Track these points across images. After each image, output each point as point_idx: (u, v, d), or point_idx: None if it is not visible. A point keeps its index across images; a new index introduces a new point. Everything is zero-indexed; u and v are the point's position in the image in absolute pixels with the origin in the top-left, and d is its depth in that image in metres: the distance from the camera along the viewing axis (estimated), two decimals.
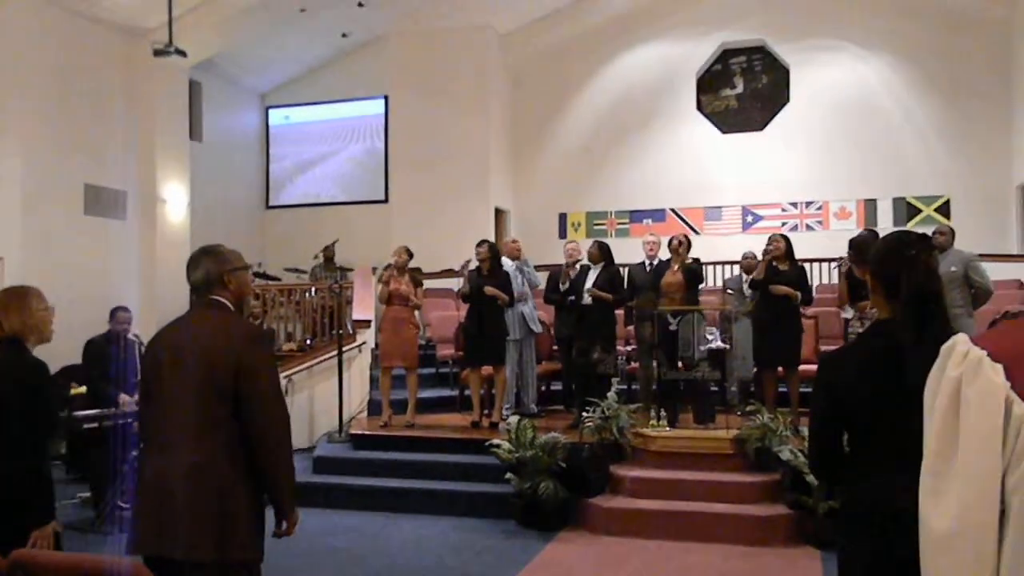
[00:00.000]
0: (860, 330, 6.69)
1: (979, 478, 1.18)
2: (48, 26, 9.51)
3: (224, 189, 13.03)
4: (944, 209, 11.82)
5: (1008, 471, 1.17)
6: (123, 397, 6.85)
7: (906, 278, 2.27)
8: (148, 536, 2.74)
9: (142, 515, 2.78)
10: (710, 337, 7.58)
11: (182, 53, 9.68)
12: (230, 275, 2.95)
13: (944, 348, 1.27)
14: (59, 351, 4.51)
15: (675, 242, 7.70)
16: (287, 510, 2.91)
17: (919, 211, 11.93)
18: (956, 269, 6.73)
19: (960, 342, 1.25)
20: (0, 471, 3.08)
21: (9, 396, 3.11)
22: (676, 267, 7.59)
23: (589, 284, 7.92)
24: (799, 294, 7.38)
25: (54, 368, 3.49)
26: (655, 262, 8.17)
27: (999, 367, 1.19)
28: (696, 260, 7.83)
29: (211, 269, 2.93)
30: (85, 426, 6.59)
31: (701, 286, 8.17)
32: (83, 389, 7.43)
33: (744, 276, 8.43)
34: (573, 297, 8.04)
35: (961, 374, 1.22)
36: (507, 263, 8.48)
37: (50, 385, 3.40)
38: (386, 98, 13.40)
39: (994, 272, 7.71)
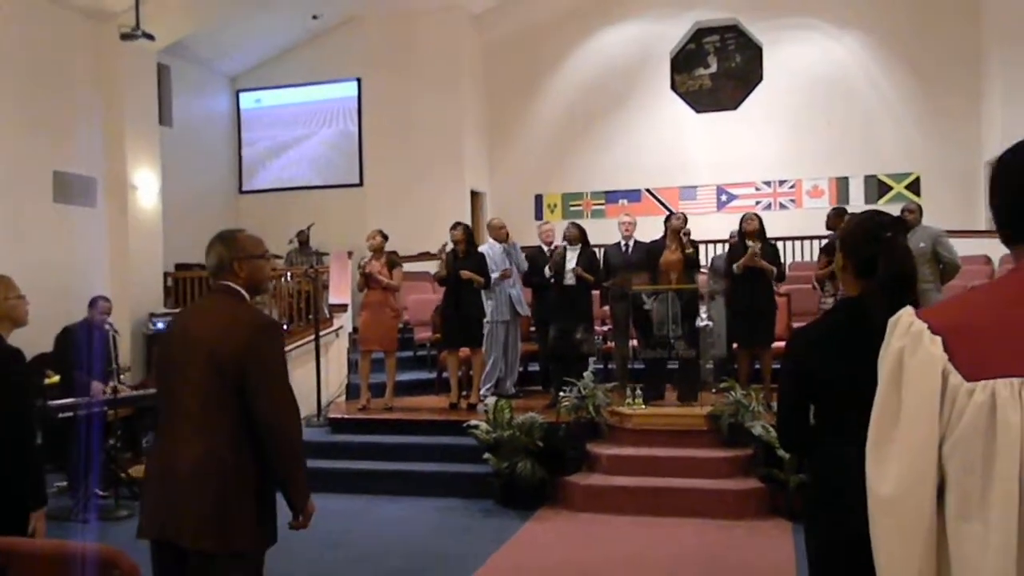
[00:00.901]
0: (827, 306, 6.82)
1: (916, 446, 1.22)
2: (12, 11, 9.35)
3: (196, 175, 12.90)
4: (914, 186, 11.96)
5: (944, 438, 1.21)
6: (96, 386, 6.81)
7: (884, 260, 2.33)
8: (155, 522, 2.76)
9: (150, 501, 2.81)
10: (700, 316, 7.66)
11: (150, 36, 9.55)
12: (241, 263, 2.90)
13: (891, 321, 1.31)
14: (29, 340, 4.48)
15: (676, 221, 7.70)
16: (300, 502, 2.89)
17: (890, 188, 12.06)
18: (924, 245, 6.84)
19: (905, 315, 1.30)
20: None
21: (3, 385, 3.11)
22: (674, 246, 7.60)
23: (570, 265, 7.96)
24: (774, 269, 7.50)
25: (27, 357, 3.48)
26: (631, 242, 8.22)
27: (938, 339, 1.24)
28: (694, 243, 7.81)
29: (223, 255, 2.90)
30: (60, 415, 6.56)
31: None
32: (55, 378, 7.38)
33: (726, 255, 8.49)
34: (552, 279, 8.08)
35: (903, 346, 1.26)
36: (495, 246, 8.49)
37: (26, 372, 3.39)
38: (359, 80, 13.30)
39: (963, 248, 7.84)
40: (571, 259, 8.00)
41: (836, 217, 7.82)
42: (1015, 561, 1.15)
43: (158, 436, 2.92)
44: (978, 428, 1.18)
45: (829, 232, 8.07)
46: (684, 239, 7.60)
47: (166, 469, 2.76)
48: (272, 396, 2.74)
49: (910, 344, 1.26)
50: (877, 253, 2.34)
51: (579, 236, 8.10)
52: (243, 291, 2.91)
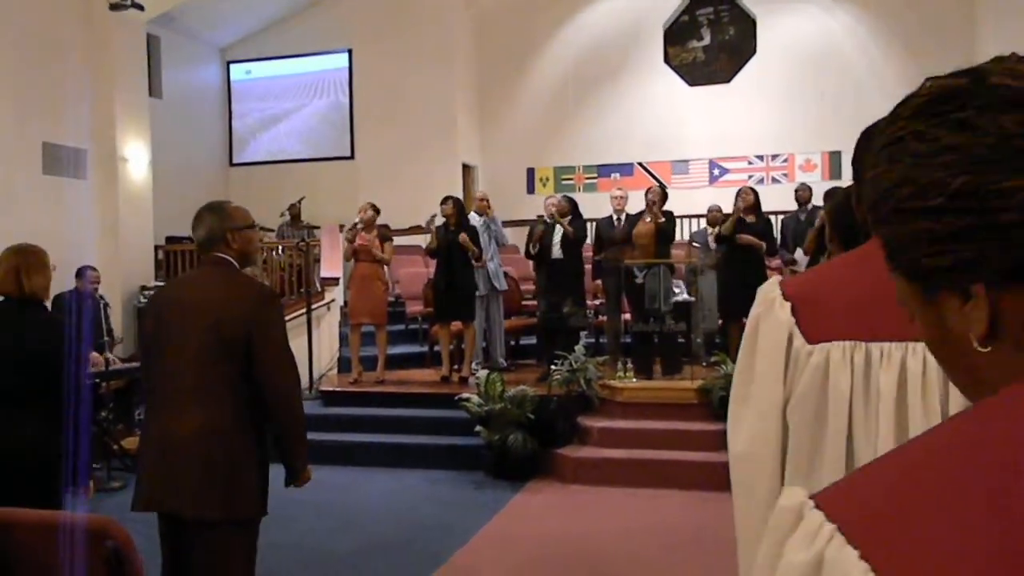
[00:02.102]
0: None
1: (764, 406, 1.29)
2: None
3: (186, 147, 12.81)
4: None
5: (789, 398, 1.28)
6: (93, 356, 6.80)
7: (862, 231, 2.36)
8: (154, 493, 2.76)
9: (148, 472, 2.81)
10: (677, 291, 7.67)
11: (139, 7, 9.46)
12: (233, 233, 2.91)
13: (759, 289, 1.38)
14: None
15: (650, 196, 7.72)
16: (301, 465, 2.94)
17: None
18: None
19: (768, 284, 1.38)
20: (41, 432, 3.09)
21: (51, 357, 3.12)
22: (648, 219, 7.61)
23: (557, 239, 7.96)
24: (764, 244, 7.50)
25: None
26: (623, 216, 8.22)
27: (787, 305, 1.30)
28: (669, 214, 7.84)
29: (214, 227, 2.90)
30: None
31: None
32: None
33: (709, 229, 8.50)
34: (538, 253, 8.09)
35: (759, 312, 1.34)
36: (475, 219, 8.48)
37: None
38: (350, 52, 13.19)
39: None
40: (559, 232, 8.00)
41: (805, 190, 8.29)
42: None
43: (152, 408, 2.90)
44: (814, 389, 1.24)
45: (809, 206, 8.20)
46: (657, 208, 7.60)
47: (164, 440, 2.76)
48: (279, 363, 2.81)
49: (764, 310, 1.34)
50: (856, 223, 2.38)
51: (569, 209, 8.09)
52: (235, 262, 2.91)
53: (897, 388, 1.20)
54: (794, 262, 7.63)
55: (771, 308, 1.31)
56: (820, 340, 1.25)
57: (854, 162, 1.38)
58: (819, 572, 0.56)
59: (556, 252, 7.97)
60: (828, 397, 1.22)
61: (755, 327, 1.33)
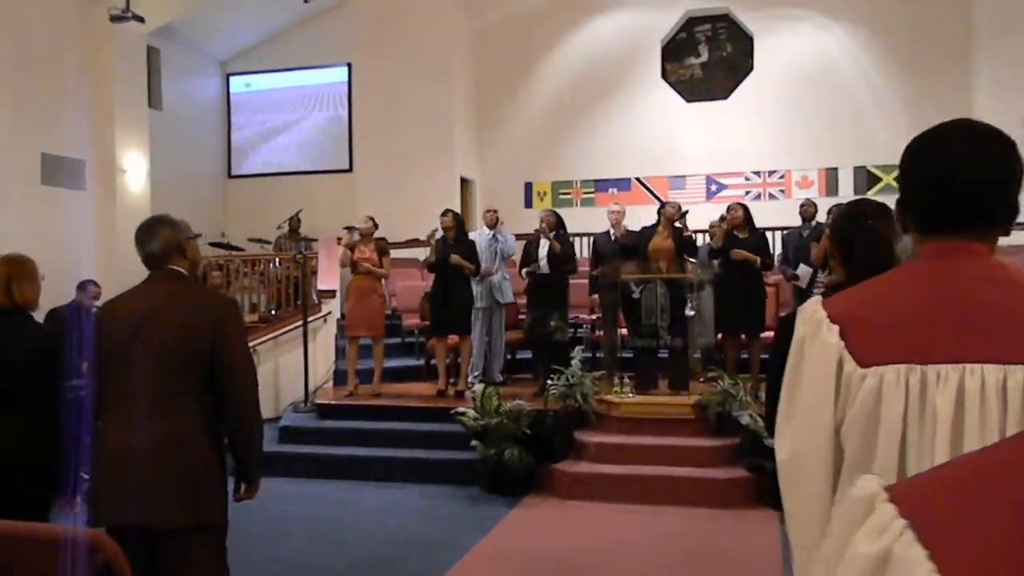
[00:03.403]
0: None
1: (811, 421, 1.31)
2: None
3: (185, 158, 12.83)
4: None
5: (842, 422, 1.28)
6: (85, 368, 6.78)
7: (859, 246, 2.37)
8: (114, 507, 2.74)
9: (106, 486, 2.77)
10: (688, 305, 7.69)
11: (140, 19, 9.49)
12: (187, 243, 2.96)
13: (800, 309, 1.39)
14: None
15: (669, 209, 7.71)
16: (255, 475, 2.99)
17: (879, 179, 12.09)
18: None
19: (810, 304, 1.38)
20: (25, 442, 3.08)
21: (39, 368, 3.12)
22: (667, 233, 7.60)
23: (543, 253, 7.97)
24: (757, 259, 7.50)
25: None
26: (620, 231, 8.22)
27: (835, 328, 1.30)
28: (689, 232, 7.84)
29: (169, 238, 2.91)
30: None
31: None
32: None
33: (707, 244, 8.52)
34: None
35: (805, 334, 1.34)
36: (483, 232, 8.49)
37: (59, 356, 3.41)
38: (349, 65, 13.24)
39: None
40: (544, 246, 8.00)
41: (810, 206, 8.32)
42: None
43: (109, 421, 2.84)
44: (866, 412, 1.24)
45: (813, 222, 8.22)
46: (680, 226, 7.60)
47: (124, 453, 2.73)
48: (241, 372, 2.84)
49: (810, 332, 1.33)
50: (856, 239, 2.39)
51: (556, 223, 8.09)
52: (187, 273, 2.97)
53: (954, 410, 1.19)
54: (796, 277, 7.63)
55: (818, 330, 1.31)
56: (872, 363, 1.24)
57: (899, 168, 1.38)
58: (885, 567, 0.56)
59: (543, 267, 7.98)
60: (880, 419, 1.22)
61: (801, 349, 1.34)
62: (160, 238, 2.91)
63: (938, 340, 1.22)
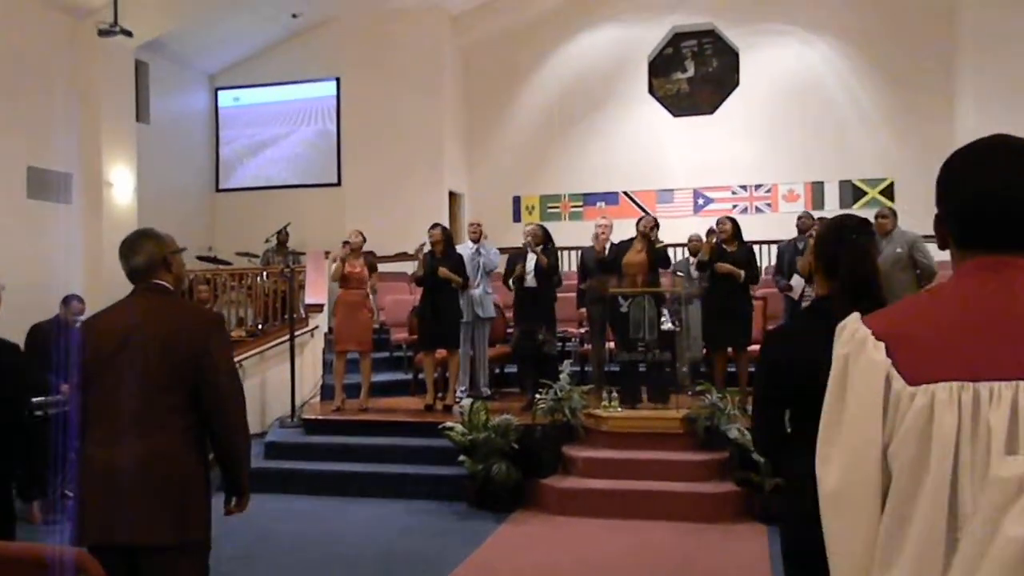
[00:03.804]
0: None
1: (859, 444, 1.27)
2: None
3: (173, 172, 12.79)
4: (888, 191, 12.09)
5: (890, 442, 1.25)
6: (65, 387, 6.72)
7: (843, 261, 2.39)
8: (99, 525, 2.71)
9: (91, 504, 2.74)
10: (663, 319, 7.68)
11: (128, 33, 9.47)
12: (172, 257, 2.93)
13: (839, 327, 1.36)
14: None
15: (643, 224, 7.75)
16: (244, 489, 2.96)
17: (864, 193, 12.18)
18: (901, 251, 6.91)
19: (851, 321, 1.34)
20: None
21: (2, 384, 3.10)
22: (640, 247, 7.62)
23: (530, 266, 7.98)
24: (742, 272, 7.52)
25: None
26: (608, 245, 8.23)
27: (881, 345, 1.27)
28: (661, 244, 7.88)
29: (154, 252, 2.89)
30: (35, 413, 6.46)
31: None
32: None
33: (691, 259, 8.53)
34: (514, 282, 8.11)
35: (848, 352, 1.30)
36: (468, 246, 8.50)
37: (23, 366, 3.38)
38: (338, 80, 13.25)
39: (940, 253, 7.91)
40: (532, 259, 8.02)
41: (807, 218, 8.34)
42: (942, 558, 1.17)
43: (93, 439, 2.80)
44: (917, 431, 1.21)
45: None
46: (653, 235, 7.63)
47: (109, 470, 2.71)
48: (227, 388, 2.82)
49: (854, 350, 1.29)
50: (840, 253, 2.40)
51: (543, 237, 8.11)
52: (172, 288, 2.94)
53: (1008, 427, 1.17)
54: (789, 288, 7.67)
55: (863, 348, 1.28)
56: (922, 381, 1.22)
57: (939, 184, 1.38)
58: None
59: (529, 280, 7.99)
60: (932, 438, 1.19)
61: (844, 367, 1.30)
62: (144, 252, 2.88)
63: (990, 356, 1.20)
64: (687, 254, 8.97)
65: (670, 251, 11.01)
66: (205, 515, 2.81)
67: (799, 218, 8.55)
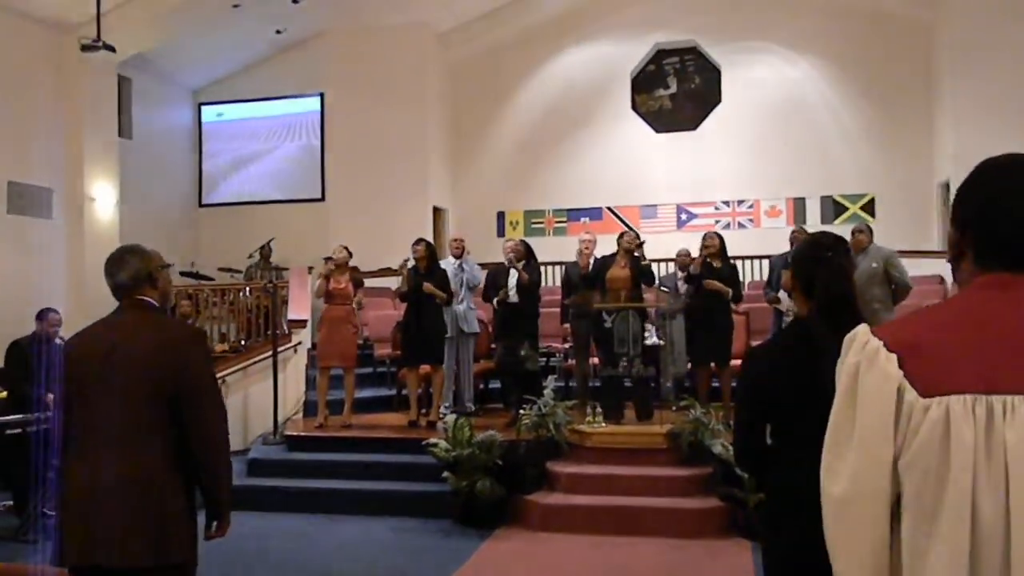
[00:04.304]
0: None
1: (870, 453, 1.27)
2: None
3: (155, 187, 12.74)
4: (869, 207, 12.19)
5: (901, 454, 1.25)
6: (49, 399, 6.66)
7: (819, 279, 2.41)
8: (79, 546, 2.67)
9: (72, 524, 2.70)
10: (647, 334, 7.70)
11: (111, 48, 9.45)
12: (158, 272, 2.91)
13: (847, 337, 1.36)
14: None
15: (626, 239, 7.75)
16: (225, 512, 2.91)
17: (846, 209, 12.28)
18: (876, 266, 6.97)
19: (861, 332, 1.34)
20: None
21: None
22: (624, 263, 7.64)
23: (512, 282, 7.99)
24: (729, 291, 7.56)
25: None
26: (592, 260, 8.24)
27: (893, 356, 1.27)
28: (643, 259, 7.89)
29: (139, 268, 2.87)
30: (7, 431, 6.40)
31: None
32: (3, 394, 7.21)
33: (679, 273, 8.55)
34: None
35: (859, 362, 1.30)
36: (450, 261, 8.50)
37: None
38: (322, 95, 13.26)
39: (917, 268, 8.01)
40: (514, 275, 8.03)
41: (800, 232, 8.31)
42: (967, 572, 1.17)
43: (74, 457, 2.77)
44: (933, 444, 1.21)
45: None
46: (636, 255, 7.64)
47: (89, 489, 2.67)
48: (208, 406, 2.78)
49: (866, 361, 1.29)
50: (816, 272, 2.43)
51: (525, 252, 8.13)
52: (157, 304, 2.91)
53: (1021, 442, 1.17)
54: (777, 300, 7.71)
55: (874, 360, 1.28)
56: (935, 393, 1.22)
57: (961, 202, 1.37)
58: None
59: (512, 296, 7.99)
60: (950, 452, 1.19)
61: (854, 378, 1.30)
62: (129, 268, 2.86)
63: (1003, 369, 1.20)
64: (672, 269, 8.99)
65: (653, 267, 11.16)
66: (188, 536, 2.76)
67: (792, 232, 8.61)
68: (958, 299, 1.35)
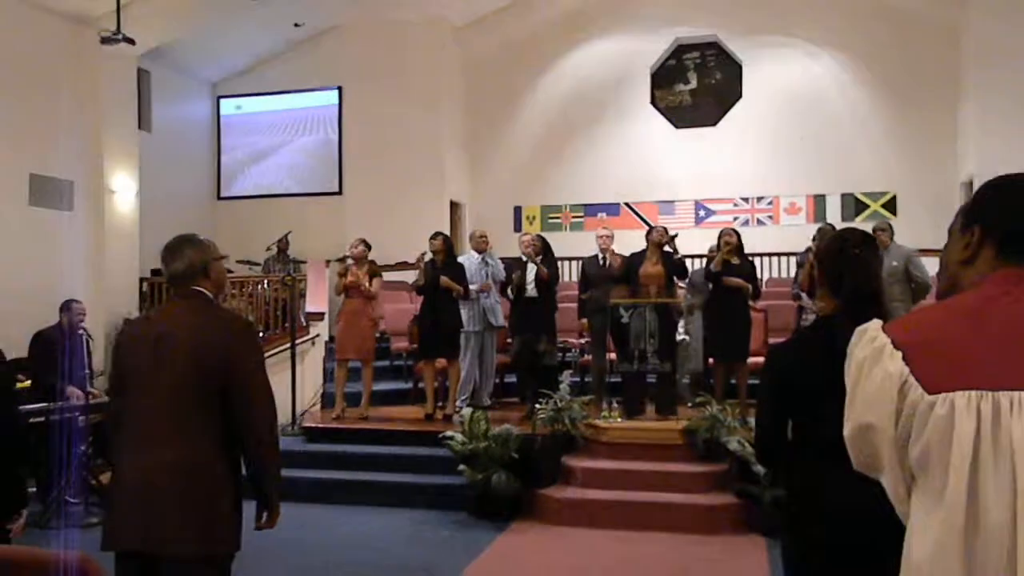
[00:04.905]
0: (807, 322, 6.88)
1: (872, 405, 1.33)
2: None
3: (174, 180, 12.81)
4: (890, 205, 12.10)
5: (910, 448, 1.28)
6: (71, 390, 6.74)
7: (848, 277, 2.39)
8: (128, 531, 2.69)
9: (122, 511, 2.73)
10: (679, 331, 7.71)
11: (130, 41, 9.50)
12: (212, 264, 2.91)
13: (858, 330, 1.37)
14: (4, 344, 4.43)
15: (656, 234, 7.73)
16: (274, 503, 2.91)
17: (867, 207, 12.19)
18: (897, 264, 6.94)
19: (871, 327, 1.36)
20: None
21: None
22: (655, 259, 7.62)
23: (530, 277, 7.99)
24: (749, 287, 7.53)
25: None
26: (607, 256, 8.23)
27: (898, 354, 1.29)
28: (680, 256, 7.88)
29: (195, 258, 2.87)
30: (31, 420, 6.48)
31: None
32: (28, 383, 7.29)
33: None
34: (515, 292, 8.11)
35: (865, 356, 1.32)
36: (473, 256, 8.51)
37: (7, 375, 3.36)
38: (340, 89, 13.29)
39: (937, 267, 7.91)
40: (532, 270, 8.03)
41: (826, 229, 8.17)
42: (961, 557, 1.19)
43: (124, 445, 2.80)
44: (939, 439, 1.23)
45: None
46: (669, 249, 7.62)
47: (138, 477, 2.70)
48: (257, 396, 2.77)
49: (871, 356, 1.31)
50: (844, 270, 2.40)
51: (542, 247, 8.12)
52: (210, 295, 2.91)
53: None
54: (800, 297, 7.68)
55: (880, 356, 1.30)
56: (941, 389, 1.24)
57: (985, 201, 1.42)
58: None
59: (530, 291, 7.99)
60: (952, 448, 1.21)
61: (859, 372, 1.33)
62: (184, 258, 2.87)
63: (1010, 366, 1.22)
64: (703, 263, 8.95)
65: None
66: (234, 527, 2.76)
67: (819, 230, 8.57)
68: (967, 296, 1.36)
